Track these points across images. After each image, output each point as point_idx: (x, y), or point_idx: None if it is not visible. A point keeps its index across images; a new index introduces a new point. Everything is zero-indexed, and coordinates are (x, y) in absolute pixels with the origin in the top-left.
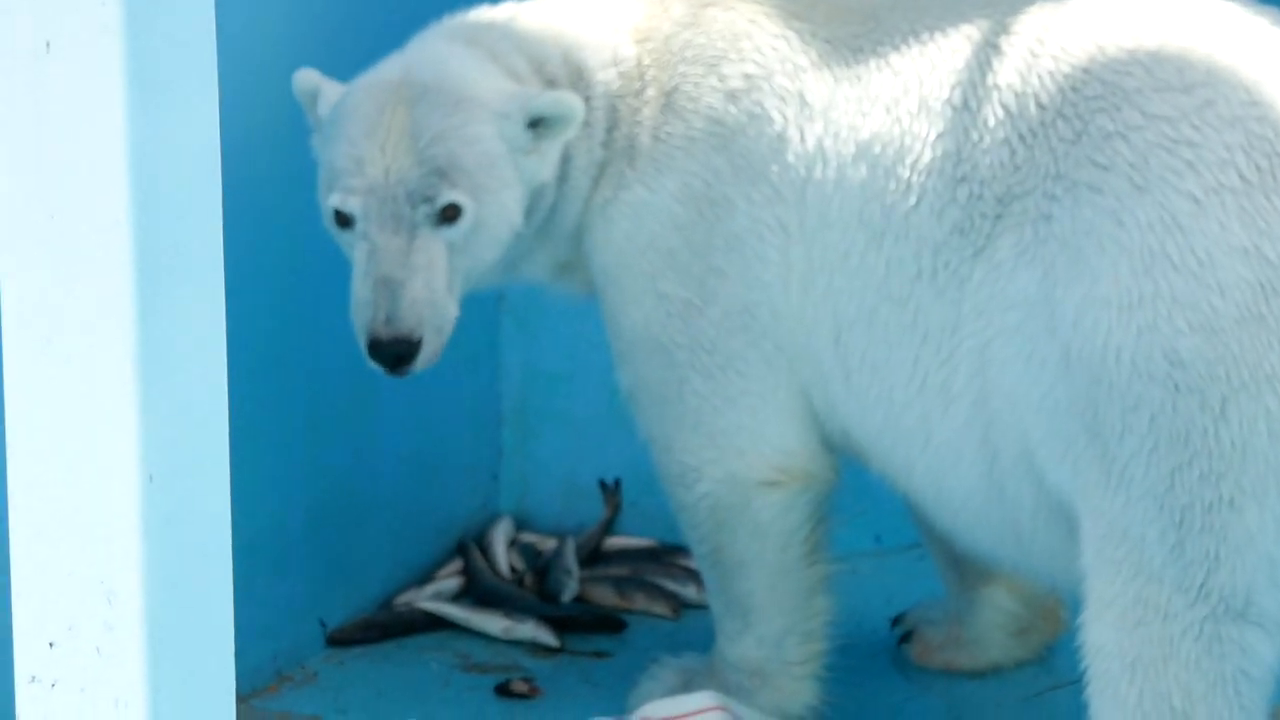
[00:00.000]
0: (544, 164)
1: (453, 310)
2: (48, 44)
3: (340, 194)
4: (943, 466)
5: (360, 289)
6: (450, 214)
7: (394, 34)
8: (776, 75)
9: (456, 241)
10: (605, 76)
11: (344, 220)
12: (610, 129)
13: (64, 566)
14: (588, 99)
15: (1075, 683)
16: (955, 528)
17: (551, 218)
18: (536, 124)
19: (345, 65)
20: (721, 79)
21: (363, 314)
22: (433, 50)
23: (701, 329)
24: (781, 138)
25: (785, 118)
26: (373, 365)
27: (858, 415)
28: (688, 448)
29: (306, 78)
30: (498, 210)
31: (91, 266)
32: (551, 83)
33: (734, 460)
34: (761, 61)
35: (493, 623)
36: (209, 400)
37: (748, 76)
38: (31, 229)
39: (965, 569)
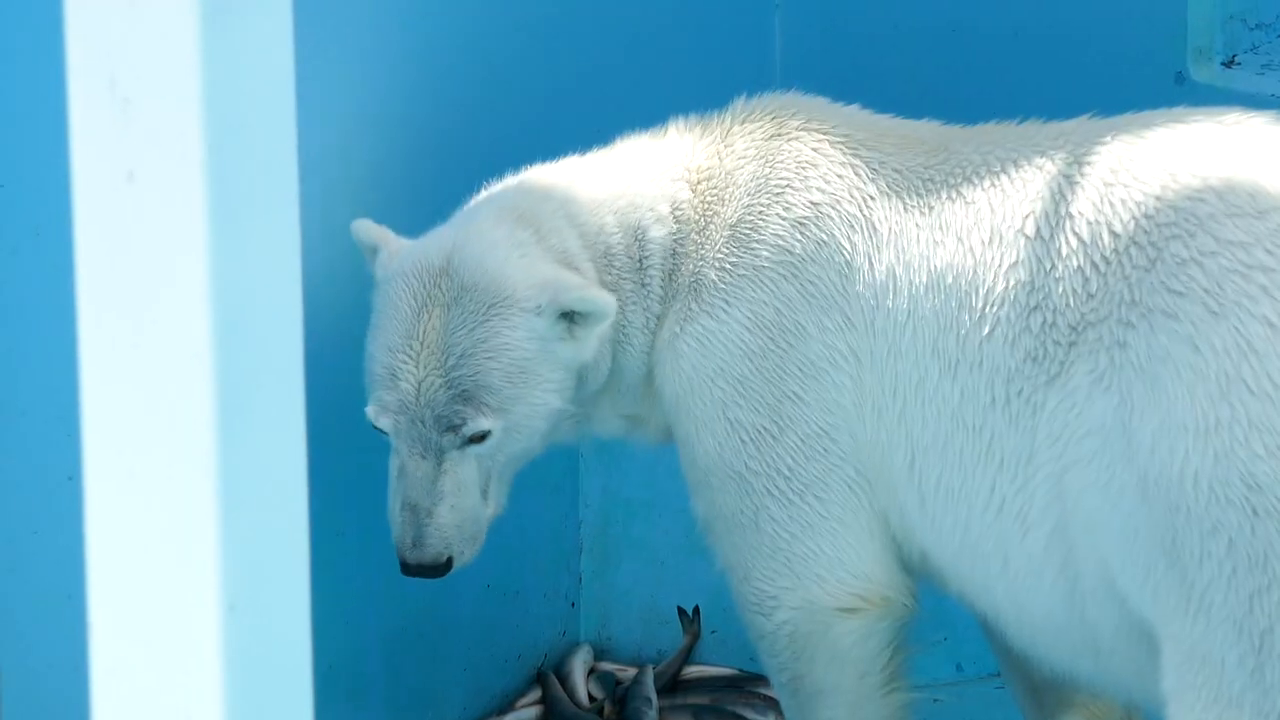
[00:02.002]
0: (582, 349)
1: (490, 512)
2: (130, 174)
3: (375, 407)
4: (1022, 589)
5: (392, 503)
6: (477, 438)
7: (470, 165)
8: (844, 202)
9: (486, 454)
10: (660, 232)
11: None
12: (670, 275)
13: (145, 697)
14: (643, 259)
15: None
16: (1034, 646)
17: (613, 377)
18: (570, 315)
19: (423, 198)
20: (787, 208)
21: (394, 529)
22: (479, 232)
23: (779, 455)
24: (850, 265)
25: (854, 245)
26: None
27: (934, 539)
28: (765, 575)
29: (365, 230)
30: (528, 412)
31: (173, 398)
32: (606, 255)
33: (812, 587)
34: (827, 189)
35: None
36: (289, 529)
37: (814, 204)
38: (114, 360)
39: (1043, 698)
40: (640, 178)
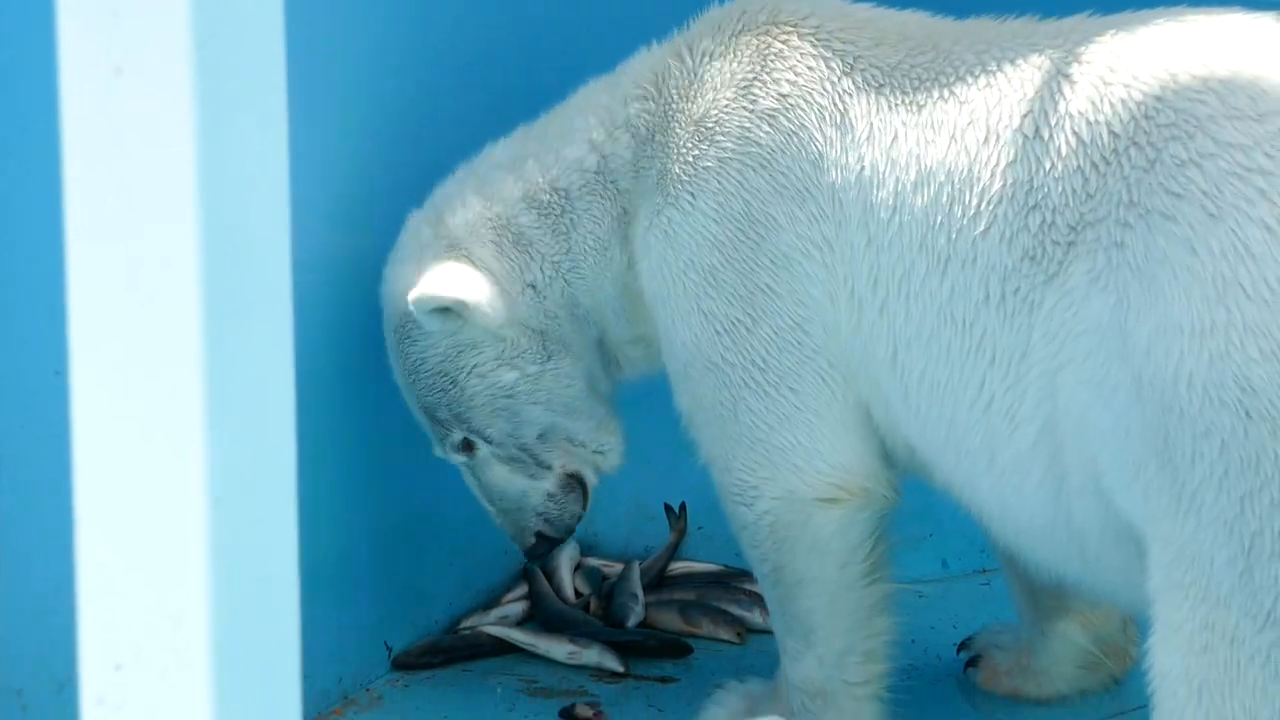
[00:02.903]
0: (483, 323)
1: (547, 485)
2: (118, 69)
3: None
4: (1008, 487)
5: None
6: (468, 446)
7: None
8: (815, 94)
9: (495, 450)
10: (593, 158)
11: None
12: (633, 185)
13: (130, 591)
14: (582, 187)
15: (1139, 709)
16: (1020, 545)
17: (595, 308)
18: (445, 310)
19: (410, 111)
20: (753, 100)
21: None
22: (396, 245)
23: (753, 347)
24: (824, 157)
25: (827, 137)
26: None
27: (919, 432)
28: (745, 466)
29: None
30: (487, 403)
31: (159, 291)
32: (524, 203)
33: (791, 477)
34: (797, 81)
35: (558, 647)
36: (275, 424)
37: (782, 96)
38: (101, 255)
39: (1041, 601)
40: (581, 110)
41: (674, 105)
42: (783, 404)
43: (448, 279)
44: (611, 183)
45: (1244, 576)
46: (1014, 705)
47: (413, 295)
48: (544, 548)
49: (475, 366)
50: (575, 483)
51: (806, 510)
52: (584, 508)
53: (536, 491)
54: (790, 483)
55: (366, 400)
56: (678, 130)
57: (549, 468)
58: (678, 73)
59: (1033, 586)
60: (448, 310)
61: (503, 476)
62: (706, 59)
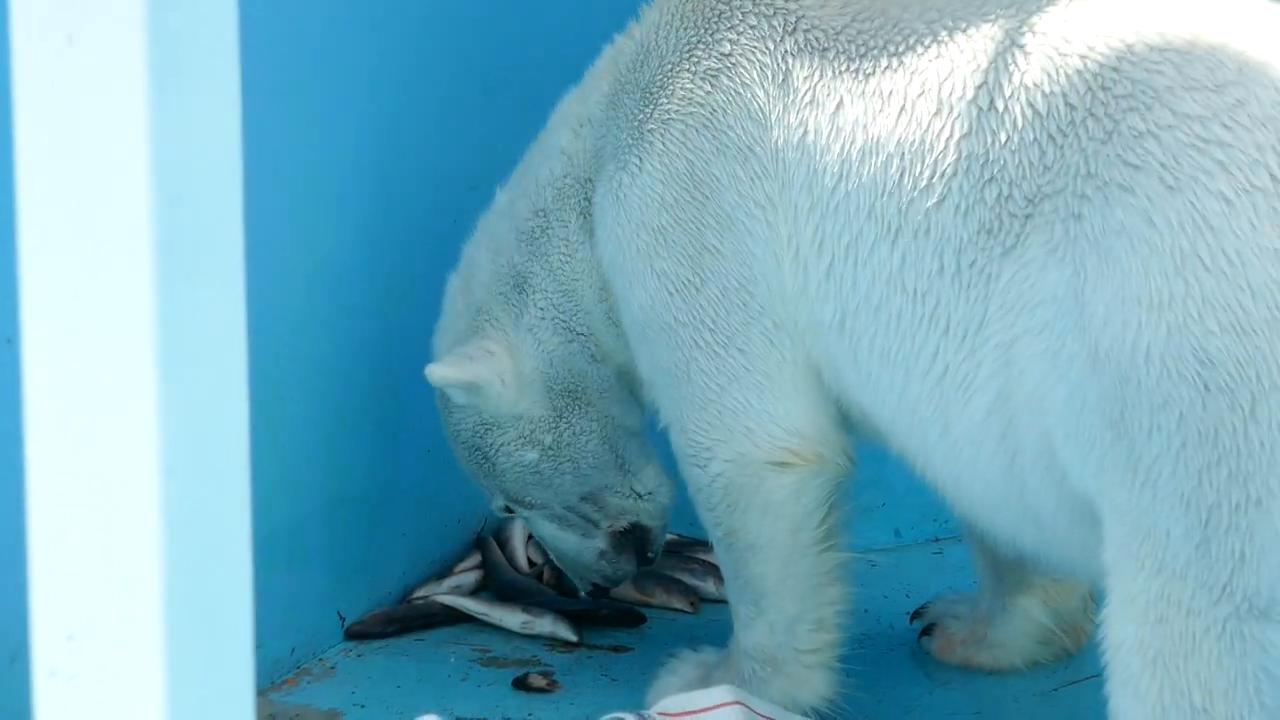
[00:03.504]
0: (504, 406)
1: (598, 543)
2: (70, 37)
3: None
4: (962, 457)
5: None
6: (511, 510)
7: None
8: (758, 53)
9: (536, 511)
10: (558, 167)
11: None
12: (588, 181)
13: (83, 560)
14: (548, 227)
15: (1093, 678)
16: (976, 515)
17: (592, 334)
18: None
19: (360, 57)
20: (695, 61)
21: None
22: (444, 319)
23: (702, 307)
24: (766, 115)
25: (769, 96)
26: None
27: (870, 398)
28: (698, 428)
29: None
30: (514, 470)
31: (112, 261)
32: (517, 240)
33: (743, 440)
34: (739, 40)
35: (511, 617)
36: (229, 393)
37: (724, 55)
38: (53, 224)
39: (1003, 574)
40: (554, 126)
41: (624, 78)
42: (732, 364)
43: (463, 359)
44: (576, 180)
45: (1200, 549)
46: (967, 674)
47: (430, 372)
48: (600, 592)
49: (501, 445)
50: (627, 538)
51: (759, 474)
52: (650, 553)
53: (590, 550)
54: (742, 445)
55: (319, 370)
56: (626, 100)
57: (598, 526)
58: (628, 49)
59: (996, 559)
60: (471, 384)
61: (554, 533)
62: (653, 30)
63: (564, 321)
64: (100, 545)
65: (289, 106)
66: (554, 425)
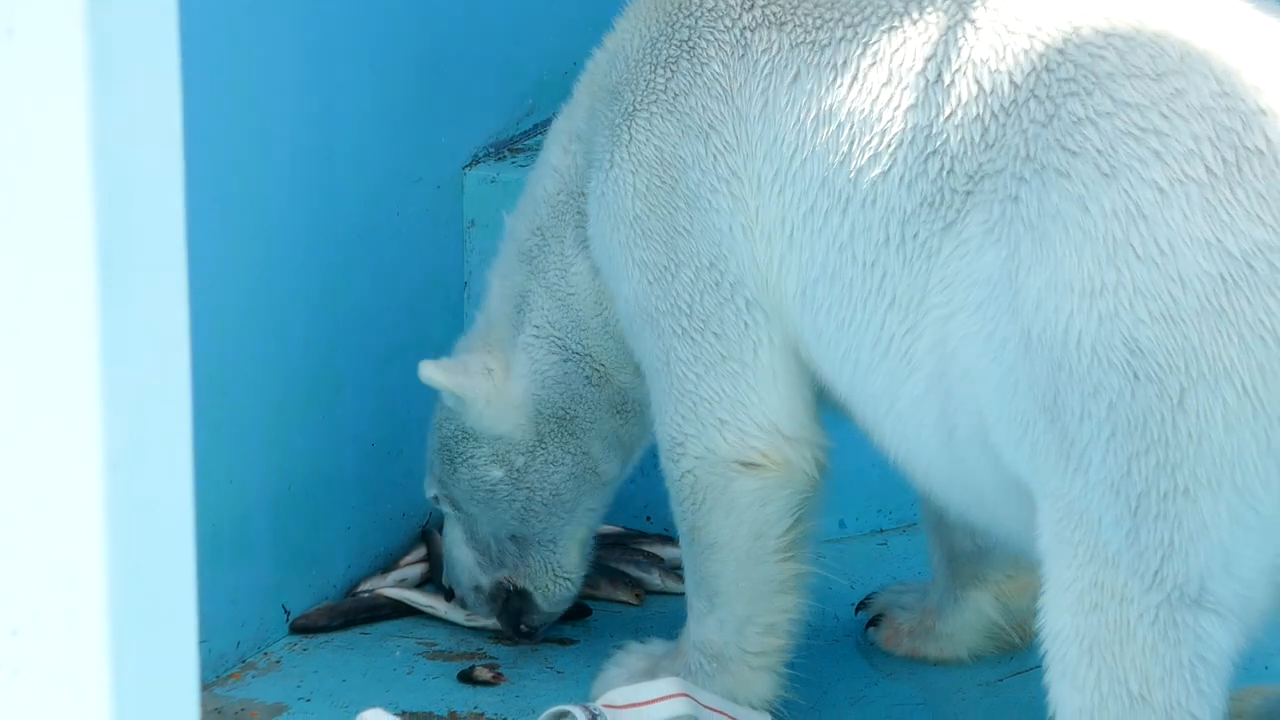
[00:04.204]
0: (483, 426)
1: (482, 578)
2: (10, 30)
3: None
4: (906, 431)
5: None
6: (436, 501)
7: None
8: (716, 30)
9: (457, 514)
10: (550, 198)
11: None
12: (579, 194)
13: (26, 555)
14: (545, 244)
15: (1038, 668)
16: (929, 489)
17: (592, 352)
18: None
19: (301, 47)
20: (656, 51)
21: None
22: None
23: (678, 292)
24: (728, 91)
25: (731, 71)
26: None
27: (832, 371)
28: (674, 420)
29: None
30: (469, 492)
31: (53, 255)
32: (517, 259)
33: (713, 434)
34: (696, 26)
35: (456, 610)
36: (171, 387)
37: (682, 42)
38: None
39: (958, 566)
40: (547, 146)
41: (599, 86)
42: (709, 351)
43: (458, 368)
44: (569, 195)
45: (1130, 536)
46: (913, 665)
47: (422, 368)
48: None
49: (470, 457)
50: (510, 597)
51: (726, 474)
52: (523, 625)
53: (473, 577)
54: (712, 440)
55: (263, 363)
56: (600, 107)
57: (500, 567)
58: (602, 59)
59: (953, 551)
60: (456, 396)
61: (456, 541)
62: (621, 35)
63: (560, 340)
64: (43, 540)
65: (230, 99)
66: (530, 450)
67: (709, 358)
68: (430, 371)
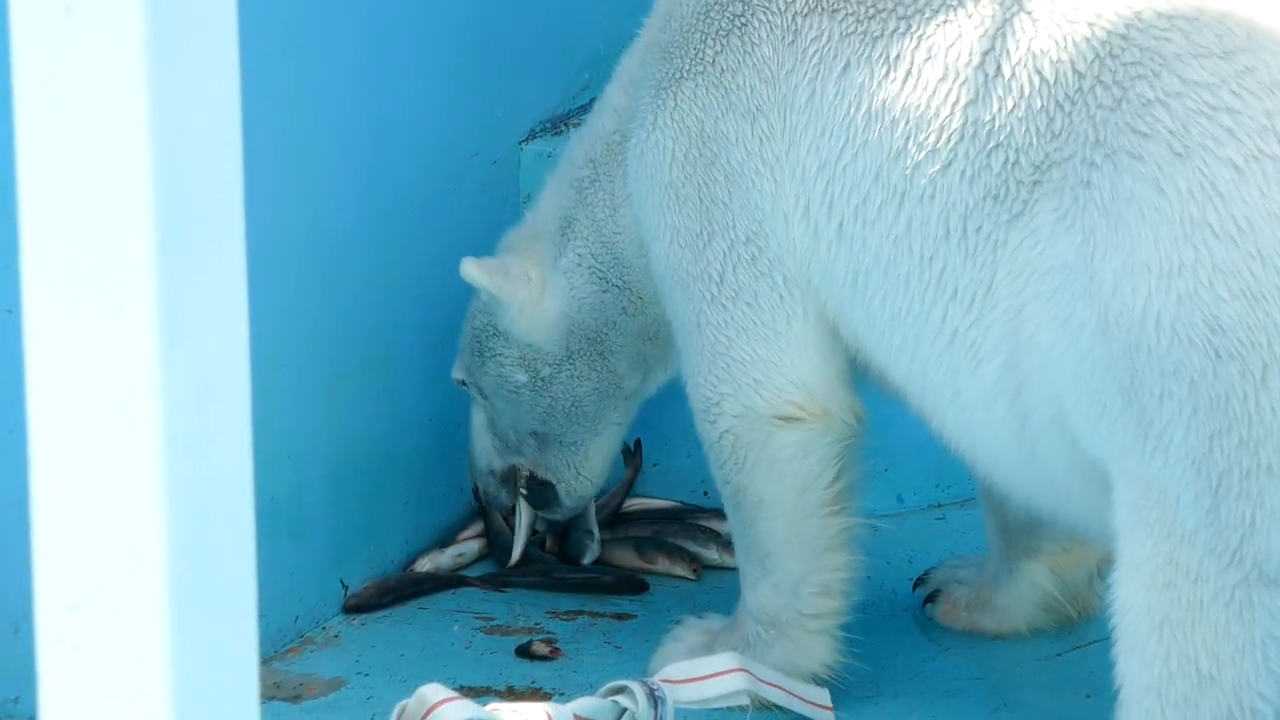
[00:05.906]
0: (514, 331)
1: (496, 462)
2: (69, 8)
3: None
4: (974, 421)
5: None
6: (463, 384)
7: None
8: (769, 13)
9: (483, 400)
10: (607, 135)
11: None
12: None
13: (86, 530)
14: (596, 179)
15: (1098, 643)
16: (993, 477)
17: (631, 287)
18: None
19: (360, 22)
20: (710, 21)
21: None
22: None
23: (710, 260)
24: (776, 76)
25: (780, 57)
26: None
27: (885, 357)
28: (708, 381)
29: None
30: (495, 387)
31: (113, 231)
32: (568, 187)
33: (750, 393)
34: (750, 1)
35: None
36: (230, 363)
37: (735, 16)
38: (53, 195)
39: (1013, 538)
40: (613, 80)
41: (653, 39)
42: (740, 317)
43: (499, 269)
44: (624, 137)
45: (1210, 515)
46: (971, 639)
47: (464, 264)
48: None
49: (498, 354)
50: (531, 485)
51: (766, 429)
52: (554, 514)
53: (490, 460)
54: (749, 398)
55: (321, 339)
56: (651, 60)
57: (519, 455)
58: (661, 9)
59: (1007, 523)
60: (492, 295)
61: (478, 427)
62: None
63: (600, 272)
64: (103, 515)
65: (287, 75)
66: (558, 363)
67: (741, 323)
68: (471, 269)
